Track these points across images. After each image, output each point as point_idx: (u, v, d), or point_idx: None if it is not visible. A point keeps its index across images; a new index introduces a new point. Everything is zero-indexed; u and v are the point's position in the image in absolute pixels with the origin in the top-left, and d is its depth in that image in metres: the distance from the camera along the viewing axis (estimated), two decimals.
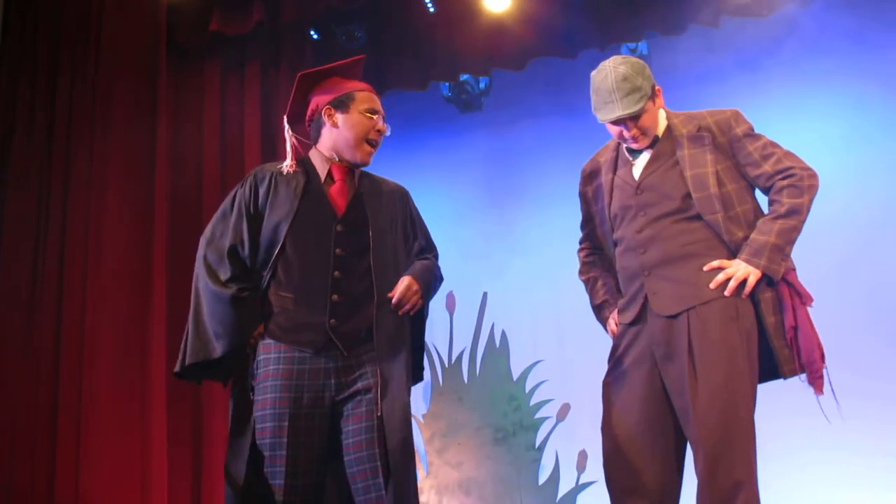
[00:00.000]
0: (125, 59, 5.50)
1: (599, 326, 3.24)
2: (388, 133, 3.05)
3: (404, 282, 2.96)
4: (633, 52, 5.34)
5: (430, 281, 3.07)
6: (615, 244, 3.06)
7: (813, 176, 2.92)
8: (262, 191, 2.96)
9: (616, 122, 2.94)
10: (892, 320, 5.06)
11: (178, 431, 5.19)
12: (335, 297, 2.87)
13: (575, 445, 5.57)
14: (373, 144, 3.01)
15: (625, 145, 3.05)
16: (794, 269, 2.92)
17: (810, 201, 2.89)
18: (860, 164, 5.24)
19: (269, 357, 2.84)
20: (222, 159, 5.65)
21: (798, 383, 2.87)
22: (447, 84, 6.06)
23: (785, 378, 2.88)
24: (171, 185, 5.44)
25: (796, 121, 5.07)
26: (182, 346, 2.94)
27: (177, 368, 2.93)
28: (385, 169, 3.28)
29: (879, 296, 5.11)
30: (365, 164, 3.04)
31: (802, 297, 2.87)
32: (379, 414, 2.80)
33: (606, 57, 3.04)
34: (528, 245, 5.84)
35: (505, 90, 6.04)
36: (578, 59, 5.24)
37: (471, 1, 5.39)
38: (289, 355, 2.84)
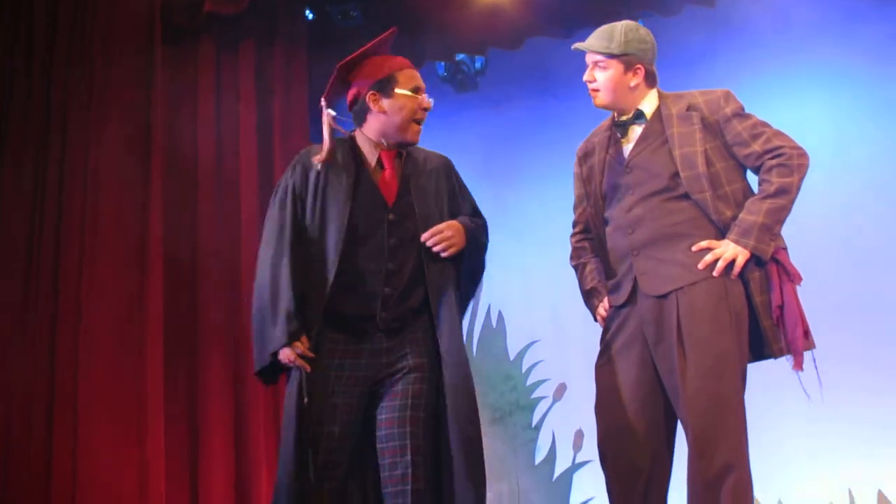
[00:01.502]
0: (121, 39, 5.47)
1: None
2: (432, 107, 2.99)
3: (444, 223, 2.93)
4: None
5: (475, 230, 3.02)
6: (605, 223, 3.06)
7: (803, 155, 2.90)
8: (311, 176, 2.93)
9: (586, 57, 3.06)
10: (875, 294, 5.08)
11: (174, 414, 5.22)
12: (387, 289, 2.88)
13: (571, 425, 5.57)
14: (420, 122, 2.97)
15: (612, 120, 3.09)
16: (784, 248, 2.91)
17: (800, 180, 2.88)
18: (859, 140, 5.23)
19: (319, 342, 2.85)
20: (218, 137, 5.64)
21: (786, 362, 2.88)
22: (443, 64, 6.04)
23: (775, 357, 2.88)
24: (167, 162, 5.43)
25: (790, 99, 5.08)
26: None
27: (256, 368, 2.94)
28: None
29: (865, 270, 5.13)
30: (415, 143, 3.01)
31: (791, 276, 2.86)
32: (445, 394, 2.85)
33: None
34: (523, 225, 5.82)
35: (500, 70, 6.02)
36: (573, 38, 5.21)
37: None
38: (334, 336, 2.87)
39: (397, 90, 2.93)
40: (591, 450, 4.64)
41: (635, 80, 3.02)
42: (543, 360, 5.85)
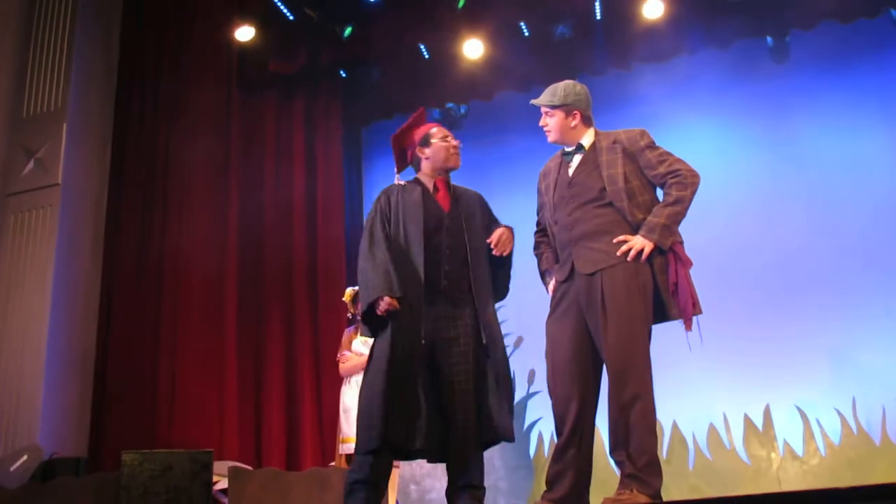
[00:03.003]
0: (207, 94, 5.51)
1: None
2: (461, 145, 3.16)
3: (502, 228, 3.06)
4: None
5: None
6: (556, 223, 3.03)
7: (695, 175, 2.89)
8: (393, 200, 3.06)
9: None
10: (746, 273, 5.13)
11: (244, 356, 5.23)
12: (447, 266, 2.96)
13: (527, 365, 5.55)
14: (456, 154, 3.13)
15: (562, 151, 3.05)
16: (680, 242, 2.89)
17: (693, 193, 2.87)
18: (733, 167, 5.26)
19: (400, 309, 2.88)
20: (277, 168, 5.67)
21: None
22: (437, 109, 6.02)
23: (671, 320, 2.86)
24: (240, 184, 5.48)
25: (683, 134, 5.06)
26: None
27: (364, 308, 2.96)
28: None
29: (741, 258, 5.17)
30: (457, 166, 3.15)
31: (683, 262, 2.84)
32: (485, 342, 2.92)
33: None
34: None
35: (479, 115, 6.00)
36: (531, 92, 5.20)
37: (454, 50, 5.44)
38: (411, 305, 2.89)
39: (433, 141, 3.13)
40: (540, 384, 4.64)
41: (574, 122, 3.00)
42: (508, 319, 5.75)
